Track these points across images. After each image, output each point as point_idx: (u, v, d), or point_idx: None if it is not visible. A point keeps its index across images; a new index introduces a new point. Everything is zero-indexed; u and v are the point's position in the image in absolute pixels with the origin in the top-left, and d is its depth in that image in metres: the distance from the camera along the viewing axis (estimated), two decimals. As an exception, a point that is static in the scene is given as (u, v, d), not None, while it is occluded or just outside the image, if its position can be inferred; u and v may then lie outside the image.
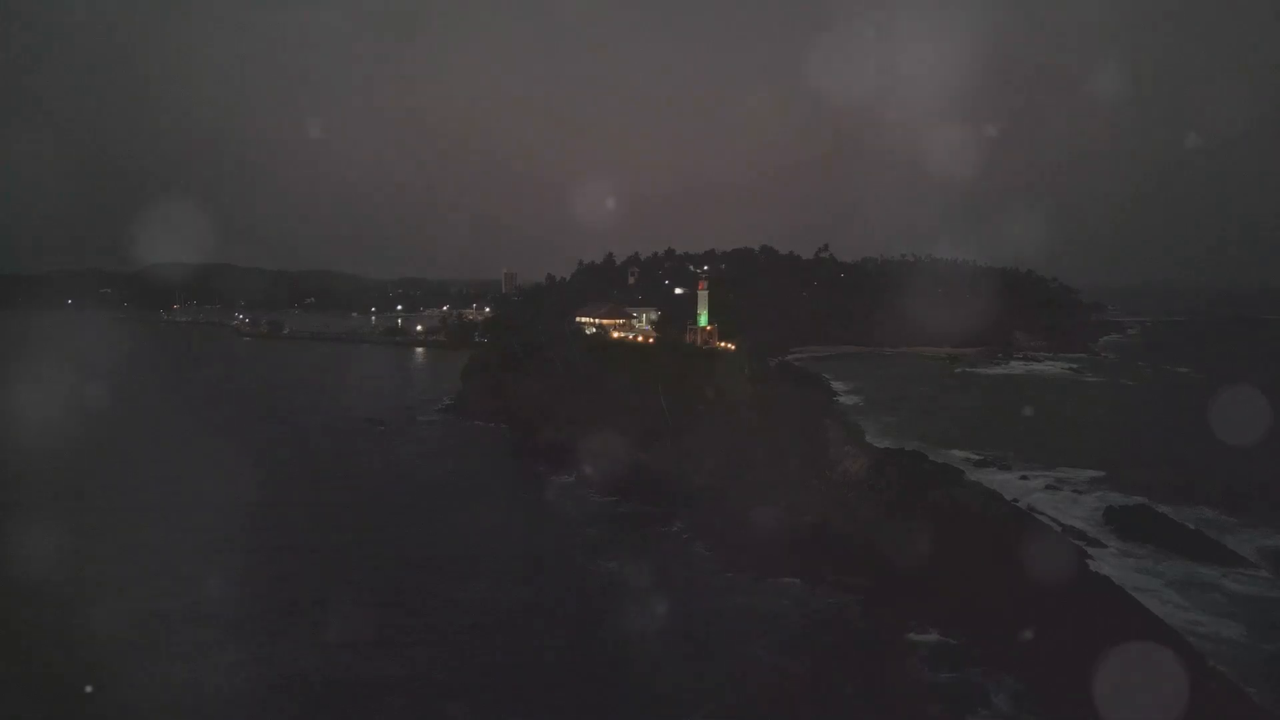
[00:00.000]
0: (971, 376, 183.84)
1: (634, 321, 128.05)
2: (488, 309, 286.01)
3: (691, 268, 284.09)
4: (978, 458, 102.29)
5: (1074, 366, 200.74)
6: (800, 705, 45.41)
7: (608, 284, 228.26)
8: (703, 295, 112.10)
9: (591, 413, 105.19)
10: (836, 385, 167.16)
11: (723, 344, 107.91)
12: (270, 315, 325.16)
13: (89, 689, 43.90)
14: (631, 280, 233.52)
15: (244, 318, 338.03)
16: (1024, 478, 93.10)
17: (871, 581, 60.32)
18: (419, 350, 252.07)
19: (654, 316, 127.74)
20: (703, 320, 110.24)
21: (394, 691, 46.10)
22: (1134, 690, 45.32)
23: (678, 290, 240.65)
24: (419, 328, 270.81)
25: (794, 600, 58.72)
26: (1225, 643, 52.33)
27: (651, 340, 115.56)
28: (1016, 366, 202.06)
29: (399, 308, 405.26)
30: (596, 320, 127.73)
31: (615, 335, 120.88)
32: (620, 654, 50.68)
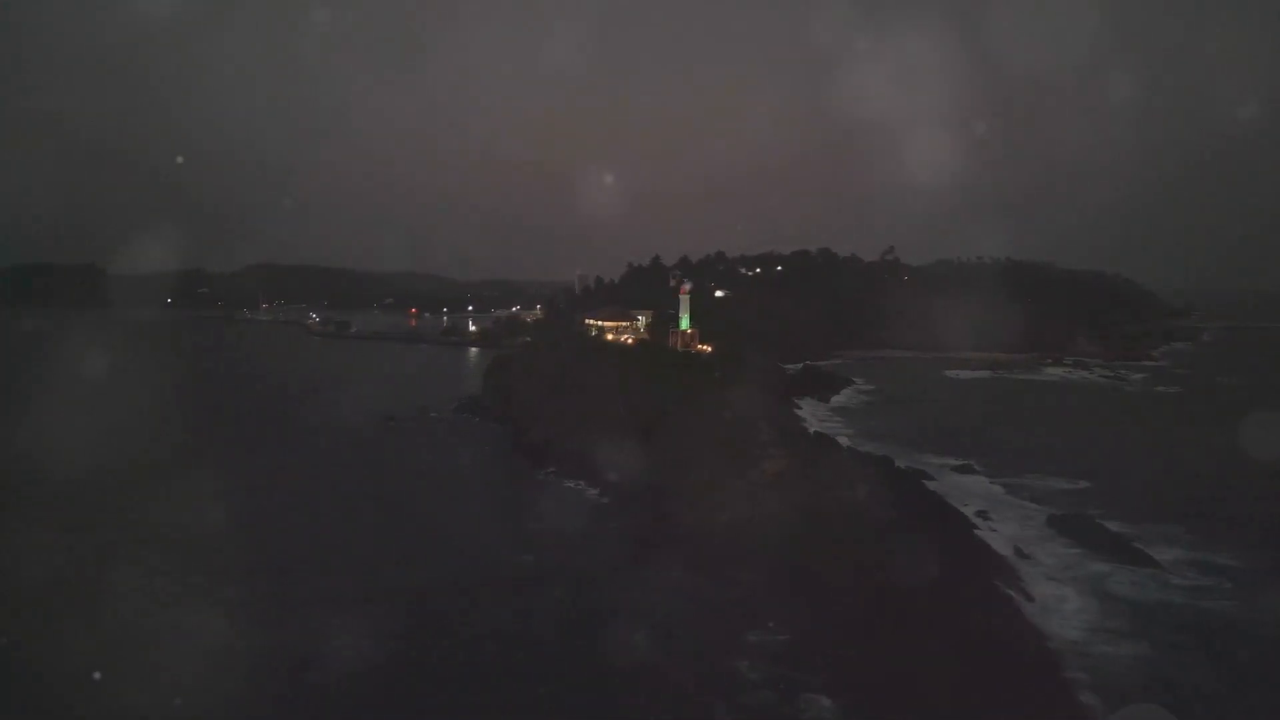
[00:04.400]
0: (999, 382, 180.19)
1: (636, 324, 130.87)
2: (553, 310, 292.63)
3: (744, 270, 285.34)
4: (957, 463, 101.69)
5: (1116, 374, 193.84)
6: (621, 691, 47.72)
7: (652, 287, 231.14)
8: (684, 299, 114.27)
9: (574, 412, 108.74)
10: (864, 388, 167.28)
11: (703, 346, 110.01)
12: (340, 315, 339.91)
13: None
14: (674, 283, 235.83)
15: (316, 318, 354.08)
16: (990, 482, 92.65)
17: (756, 577, 62.07)
18: (473, 350, 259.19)
19: (647, 319, 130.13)
20: (684, 324, 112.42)
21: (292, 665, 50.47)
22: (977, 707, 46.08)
23: (719, 293, 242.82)
24: (472, 328, 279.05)
25: (679, 594, 60.81)
26: (1091, 656, 51.99)
27: (634, 342, 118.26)
28: (1055, 373, 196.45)
29: (469, 309, 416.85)
30: (599, 322, 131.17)
31: (608, 338, 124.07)
32: (483, 640, 54.04)
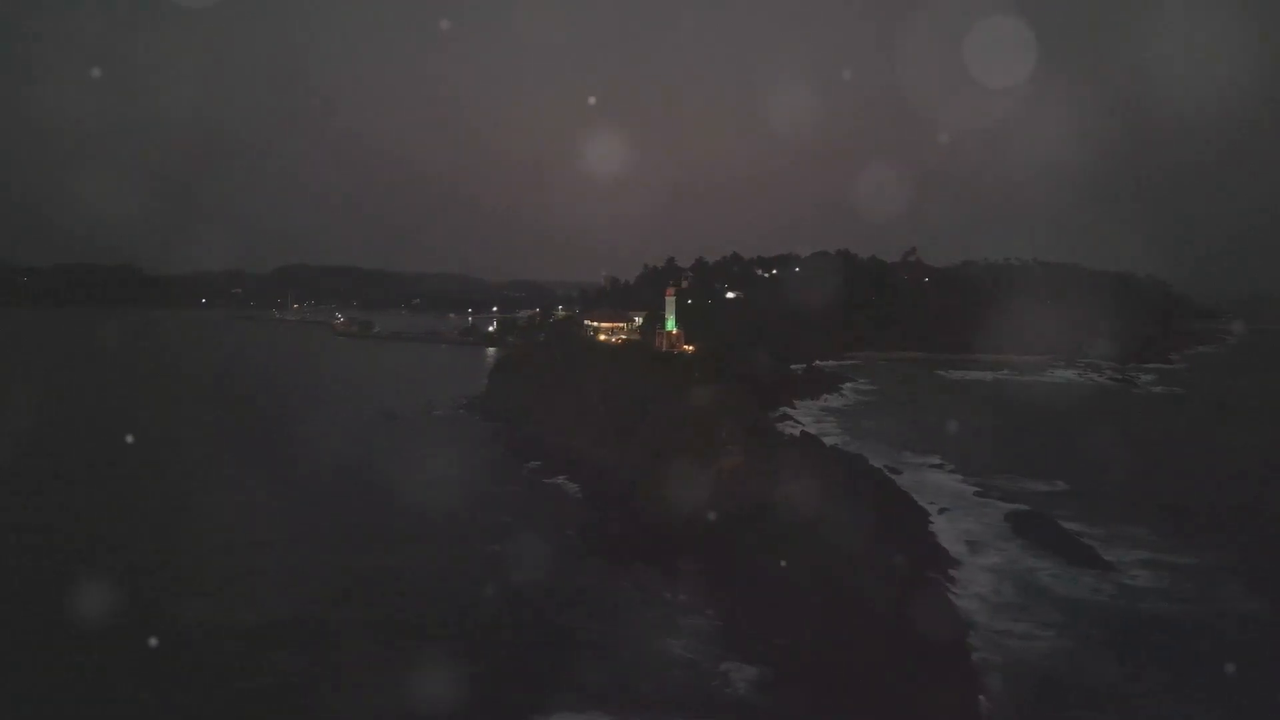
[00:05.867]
0: (1002, 384, 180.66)
1: (632, 324, 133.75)
2: (576, 310, 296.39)
3: (760, 271, 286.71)
4: (935, 461, 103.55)
5: (1126, 376, 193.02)
6: (554, 665, 50.62)
7: (664, 288, 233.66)
8: (670, 300, 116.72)
9: (561, 411, 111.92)
10: (863, 388, 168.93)
11: (686, 347, 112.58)
12: (366, 315, 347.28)
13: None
14: (684, 283, 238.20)
15: (341, 318, 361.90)
16: (962, 481, 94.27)
17: (705, 568, 64.75)
18: (490, 350, 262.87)
19: (642, 320, 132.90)
20: (670, 325, 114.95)
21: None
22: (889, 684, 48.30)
23: (729, 294, 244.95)
24: (491, 328, 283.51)
25: (629, 583, 63.57)
26: (1009, 645, 53.82)
27: (621, 343, 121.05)
28: (1063, 375, 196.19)
29: (494, 309, 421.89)
30: (595, 323, 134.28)
31: (600, 338, 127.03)
32: (431, 615, 57.29)
